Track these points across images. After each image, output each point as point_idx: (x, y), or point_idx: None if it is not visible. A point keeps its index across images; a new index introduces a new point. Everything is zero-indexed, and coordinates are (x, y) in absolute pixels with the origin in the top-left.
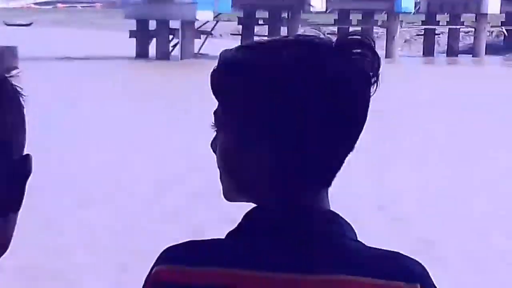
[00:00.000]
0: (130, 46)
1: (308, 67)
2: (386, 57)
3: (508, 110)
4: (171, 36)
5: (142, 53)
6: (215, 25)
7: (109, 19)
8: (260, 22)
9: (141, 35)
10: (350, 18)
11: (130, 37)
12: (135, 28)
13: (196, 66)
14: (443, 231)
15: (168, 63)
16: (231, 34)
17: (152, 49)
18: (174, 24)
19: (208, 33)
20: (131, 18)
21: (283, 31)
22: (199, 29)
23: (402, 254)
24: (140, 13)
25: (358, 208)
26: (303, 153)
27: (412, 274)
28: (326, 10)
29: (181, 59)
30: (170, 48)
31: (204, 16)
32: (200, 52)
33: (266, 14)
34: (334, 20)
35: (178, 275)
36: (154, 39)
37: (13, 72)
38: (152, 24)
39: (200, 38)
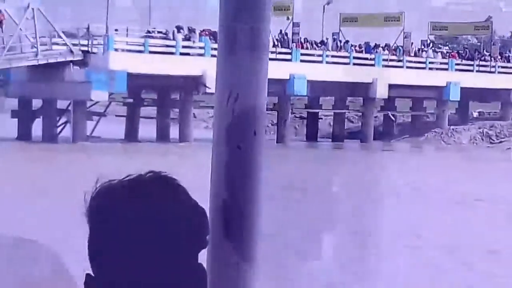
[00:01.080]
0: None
1: (157, 205)
2: (277, 141)
3: None
4: (58, 117)
5: (24, 135)
6: (108, 106)
7: None
8: (149, 103)
9: (24, 115)
10: None
11: (12, 117)
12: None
13: (90, 150)
14: None
15: (57, 146)
16: (116, 115)
17: (36, 130)
18: (61, 104)
19: (102, 114)
20: (12, 96)
21: (173, 113)
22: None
23: None
24: (23, 92)
25: None
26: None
27: None
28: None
29: (73, 141)
30: (58, 130)
31: (98, 96)
32: (93, 134)
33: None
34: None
35: None
36: (38, 120)
37: None
38: (36, 104)
39: (92, 119)
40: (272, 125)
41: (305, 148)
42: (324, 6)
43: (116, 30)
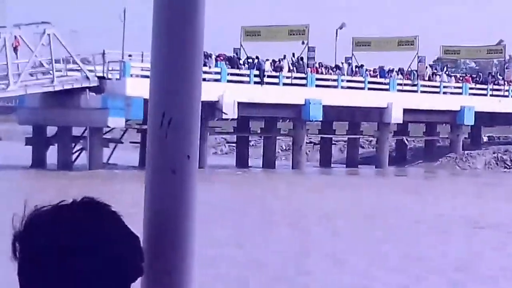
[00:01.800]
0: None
1: (84, 232)
2: (292, 167)
3: None
4: (73, 144)
5: (38, 162)
6: (124, 133)
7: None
8: None
9: (38, 142)
10: (250, 126)
11: (26, 144)
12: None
13: (107, 178)
14: None
15: (73, 174)
16: (131, 142)
17: (51, 157)
18: (76, 130)
19: (118, 141)
20: (26, 124)
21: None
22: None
23: None
24: (37, 119)
25: None
26: None
27: None
28: (238, 117)
29: (89, 169)
30: (73, 157)
31: (115, 123)
32: (109, 161)
33: None
34: (234, 128)
35: None
36: (52, 147)
37: None
38: (50, 131)
39: (108, 146)
40: (282, 150)
41: (322, 174)
42: (337, 30)
43: (130, 56)
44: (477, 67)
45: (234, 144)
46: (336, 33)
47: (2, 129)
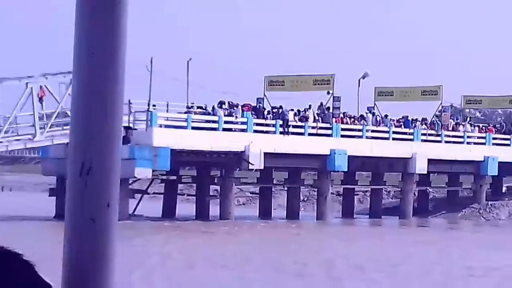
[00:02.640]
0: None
1: None
2: (317, 219)
3: None
4: None
5: (62, 214)
6: (150, 183)
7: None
8: (187, 179)
9: (62, 193)
10: (273, 177)
11: (50, 195)
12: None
13: (134, 230)
14: None
15: None
16: (154, 193)
17: None
18: None
19: (144, 192)
20: (50, 174)
21: (212, 190)
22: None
23: None
24: (61, 169)
25: None
26: None
27: None
28: (268, 168)
29: None
30: None
31: (142, 173)
32: (135, 213)
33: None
34: (257, 178)
35: None
36: None
37: None
38: None
39: (134, 197)
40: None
41: (349, 225)
42: (359, 80)
43: (154, 106)
44: (482, 117)
45: (251, 195)
46: (359, 83)
47: (11, 180)
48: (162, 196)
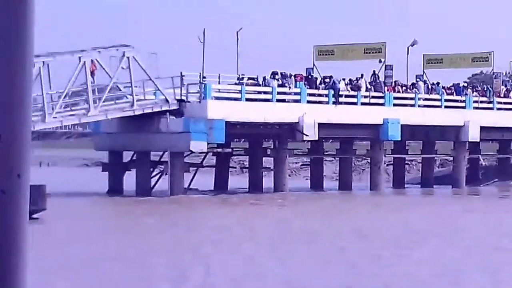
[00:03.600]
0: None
1: None
2: (371, 189)
3: None
4: (151, 169)
5: (115, 189)
6: (205, 157)
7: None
8: (240, 152)
9: (115, 168)
10: (324, 147)
11: (103, 170)
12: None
13: (189, 203)
14: None
15: (154, 200)
16: (206, 166)
17: (127, 183)
18: (153, 155)
19: (199, 166)
20: (102, 149)
21: (266, 162)
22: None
23: None
24: (114, 144)
25: None
26: None
27: None
28: (320, 139)
29: (170, 195)
30: (152, 183)
31: (198, 146)
32: (190, 187)
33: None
34: (308, 149)
35: None
36: (128, 173)
37: None
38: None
39: (189, 171)
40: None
41: (407, 195)
42: (408, 48)
43: (204, 77)
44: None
45: (294, 167)
46: (408, 51)
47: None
48: (213, 169)
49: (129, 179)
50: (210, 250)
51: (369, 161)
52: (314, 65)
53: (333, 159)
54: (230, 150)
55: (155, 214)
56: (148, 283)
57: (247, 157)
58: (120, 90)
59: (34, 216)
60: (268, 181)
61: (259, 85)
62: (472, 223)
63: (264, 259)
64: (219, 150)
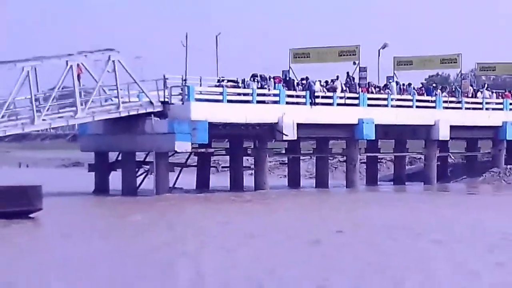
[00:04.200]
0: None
1: None
2: (347, 186)
3: None
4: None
5: (101, 188)
6: (188, 157)
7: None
8: (221, 152)
9: (101, 168)
10: (300, 147)
11: (89, 171)
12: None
13: (175, 201)
14: None
15: (140, 199)
16: (189, 165)
17: (113, 183)
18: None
19: (183, 165)
20: (88, 150)
21: (246, 161)
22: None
23: None
24: (100, 145)
25: None
26: None
27: None
28: (298, 138)
29: (156, 194)
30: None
31: (182, 147)
32: (175, 186)
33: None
34: (285, 149)
35: None
36: (113, 173)
37: None
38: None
39: (173, 171)
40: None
41: (380, 192)
42: (379, 50)
43: (185, 80)
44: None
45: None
46: (379, 53)
47: (24, 156)
48: (195, 168)
49: (115, 179)
50: (202, 243)
51: (341, 159)
52: (290, 67)
53: (309, 157)
54: (211, 150)
55: (148, 211)
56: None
57: (227, 156)
58: (106, 92)
59: (31, 215)
60: (247, 179)
61: (239, 87)
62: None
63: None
64: (202, 150)
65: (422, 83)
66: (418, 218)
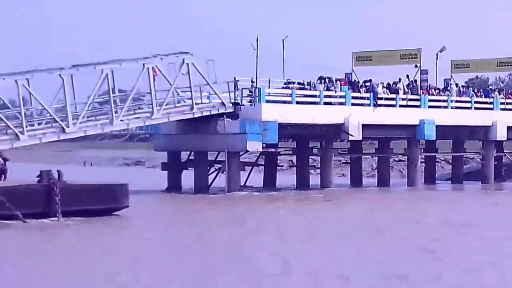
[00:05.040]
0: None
1: None
2: (408, 185)
3: None
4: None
5: (174, 186)
6: (259, 156)
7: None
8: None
9: (174, 167)
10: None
11: (162, 170)
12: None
13: (245, 199)
14: None
15: (212, 197)
16: (259, 164)
17: (185, 182)
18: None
19: (254, 164)
20: (162, 150)
21: (313, 161)
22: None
23: None
24: (173, 145)
25: None
26: None
27: None
28: (363, 139)
29: (228, 192)
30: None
31: (253, 146)
32: (246, 184)
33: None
34: (347, 148)
35: None
36: (185, 172)
37: None
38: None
39: (244, 169)
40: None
41: (442, 190)
42: (437, 54)
43: (253, 82)
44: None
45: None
46: (437, 56)
47: (87, 155)
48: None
49: (184, 177)
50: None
51: (396, 158)
52: (352, 70)
53: (371, 157)
54: (279, 149)
55: (228, 207)
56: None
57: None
58: (178, 94)
59: (116, 213)
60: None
61: (305, 89)
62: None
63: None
64: (272, 150)
65: (462, 85)
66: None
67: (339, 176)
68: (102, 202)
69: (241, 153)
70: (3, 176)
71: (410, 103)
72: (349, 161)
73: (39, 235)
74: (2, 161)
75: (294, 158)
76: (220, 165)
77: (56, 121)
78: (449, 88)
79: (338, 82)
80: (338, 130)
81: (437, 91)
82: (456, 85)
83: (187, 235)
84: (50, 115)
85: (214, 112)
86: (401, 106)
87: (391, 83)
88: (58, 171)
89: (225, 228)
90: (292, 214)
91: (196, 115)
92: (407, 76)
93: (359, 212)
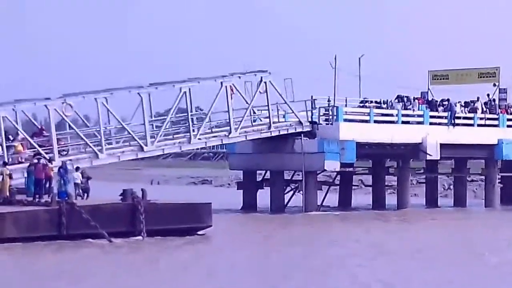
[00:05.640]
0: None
1: None
2: (486, 206)
3: None
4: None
5: (249, 205)
6: (336, 176)
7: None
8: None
9: (249, 186)
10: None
11: (238, 189)
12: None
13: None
14: None
15: (291, 216)
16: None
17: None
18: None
19: (331, 184)
20: (237, 169)
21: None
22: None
23: None
24: (249, 164)
25: None
26: None
27: None
28: (440, 158)
29: (305, 211)
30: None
31: (331, 166)
32: (323, 204)
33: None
34: (423, 168)
35: None
36: (261, 191)
37: None
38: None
39: (321, 189)
40: (444, 189)
41: None
42: None
43: (328, 100)
44: None
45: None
46: None
47: (153, 174)
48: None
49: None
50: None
51: (468, 178)
52: (428, 88)
53: (446, 177)
54: (354, 169)
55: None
56: None
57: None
58: (255, 112)
59: (200, 232)
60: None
61: (382, 108)
62: None
63: None
64: (350, 169)
65: None
66: None
67: (411, 196)
68: (186, 221)
69: (318, 172)
70: (86, 194)
71: (488, 122)
72: (421, 181)
73: (134, 255)
74: (85, 179)
75: (363, 177)
76: (296, 184)
77: (135, 139)
78: None
79: (416, 101)
80: (416, 149)
81: None
82: None
83: (283, 257)
84: (128, 133)
85: (291, 130)
86: (479, 125)
87: (469, 101)
88: (142, 189)
89: (324, 250)
90: (399, 238)
91: (274, 134)
92: (488, 95)
93: (462, 234)
